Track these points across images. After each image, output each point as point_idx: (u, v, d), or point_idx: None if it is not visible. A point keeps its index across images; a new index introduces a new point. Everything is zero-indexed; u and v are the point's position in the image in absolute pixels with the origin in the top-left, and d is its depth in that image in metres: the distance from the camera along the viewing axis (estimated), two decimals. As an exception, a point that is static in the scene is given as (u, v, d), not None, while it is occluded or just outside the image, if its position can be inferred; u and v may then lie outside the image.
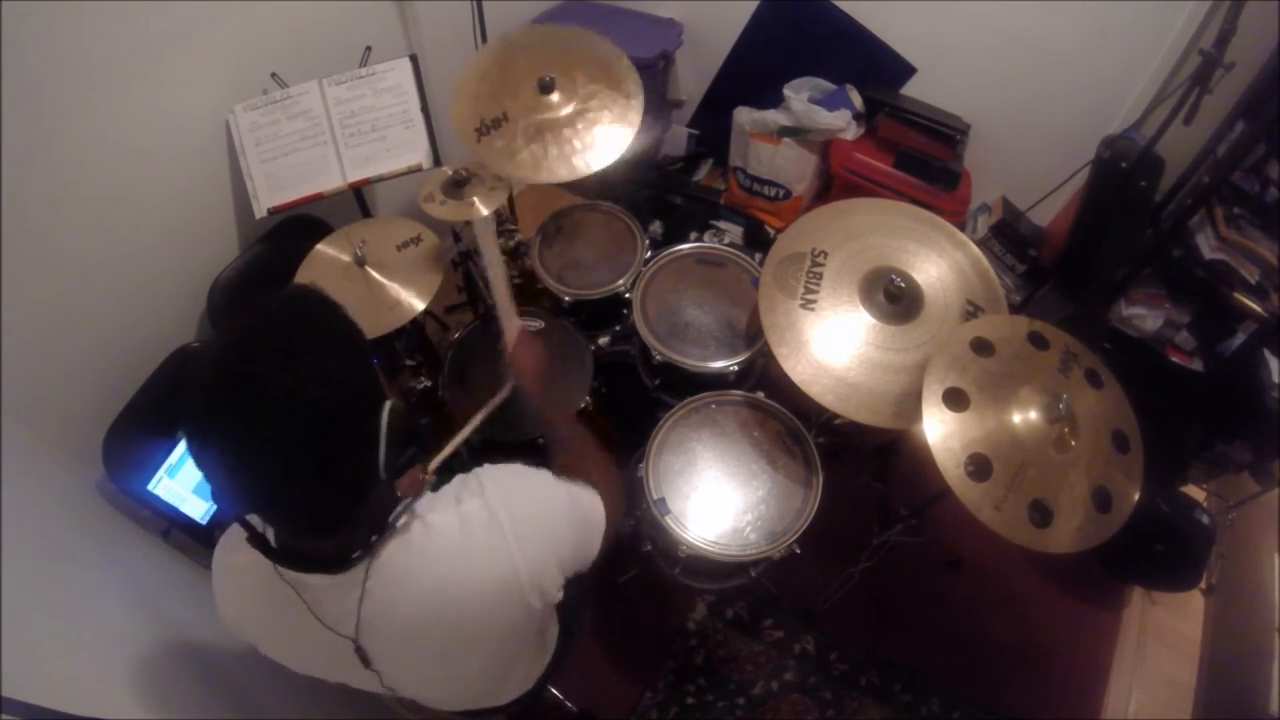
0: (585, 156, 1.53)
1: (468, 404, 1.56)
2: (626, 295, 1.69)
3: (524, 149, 1.53)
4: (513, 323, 1.31)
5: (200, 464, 0.63)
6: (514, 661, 0.95)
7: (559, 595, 0.86)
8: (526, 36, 1.69)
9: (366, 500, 0.71)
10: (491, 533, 0.80)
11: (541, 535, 0.84)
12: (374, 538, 0.74)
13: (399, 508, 0.75)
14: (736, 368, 1.54)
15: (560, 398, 1.58)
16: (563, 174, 1.50)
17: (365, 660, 0.83)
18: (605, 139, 1.54)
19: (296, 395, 0.62)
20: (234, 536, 0.84)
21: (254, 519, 0.74)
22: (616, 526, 0.98)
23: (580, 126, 1.55)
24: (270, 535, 0.74)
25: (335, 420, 0.65)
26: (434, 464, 1.16)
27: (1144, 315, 2.04)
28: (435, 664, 0.88)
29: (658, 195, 2.64)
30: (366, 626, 0.79)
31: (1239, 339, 1.94)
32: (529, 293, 1.82)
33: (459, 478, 0.87)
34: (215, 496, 0.68)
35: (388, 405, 0.70)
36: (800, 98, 2.38)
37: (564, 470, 0.95)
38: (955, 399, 1.16)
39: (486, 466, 0.88)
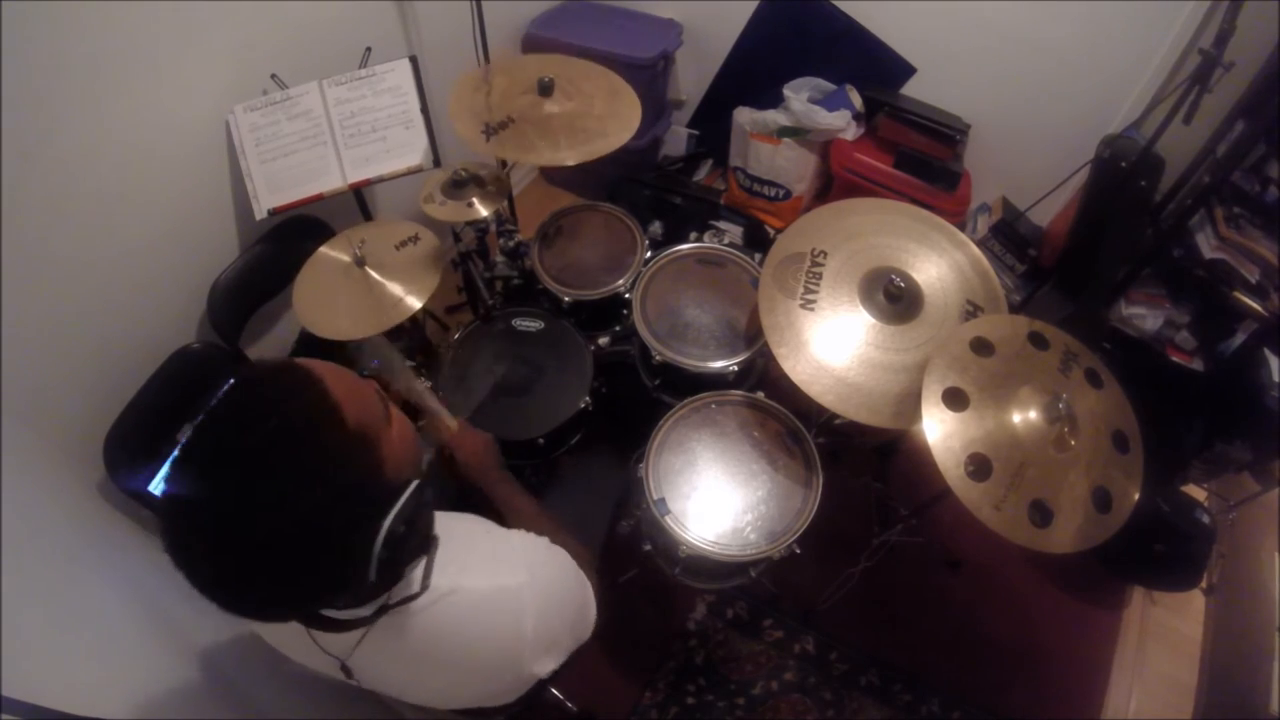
0: (598, 141, 1.55)
1: (468, 405, 1.56)
2: (626, 295, 1.69)
3: (537, 139, 1.55)
4: (444, 420, 1.23)
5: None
6: (489, 697, 0.97)
7: (548, 675, 0.88)
8: (510, 61, 1.70)
9: (353, 593, 0.70)
10: (515, 615, 0.81)
11: (558, 630, 0.86)
12: (371, 614, 0.74)
13: (405, 592, 0.74)
14: (736, 368, 1.54)
15: (559, 402, 1.58)
16: (579, 156, 1.53)
17: (349, 674, 0.84)
18: (613, 124, 1.57)
19: (268, 542, 0.59)
20: None
21: None
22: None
23: (586, 117, 1.57)
24: None
25: (311, 558, 0.61)
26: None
27: (1144, 315, 2.04)
28: (426, 692, 0.90)
29: (658, 195, 2.64)
30: (360, 657, 0.79)
31: (1239, 339, 1.94)
32: (529, 293, 1.82)
33: (495, 539, 0.90)
34: None
35: (389, 518, 0.64)
36: (800, 98, 2.38)
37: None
38: (955, 399, 1.16)
39: (521, 535, 0.91)
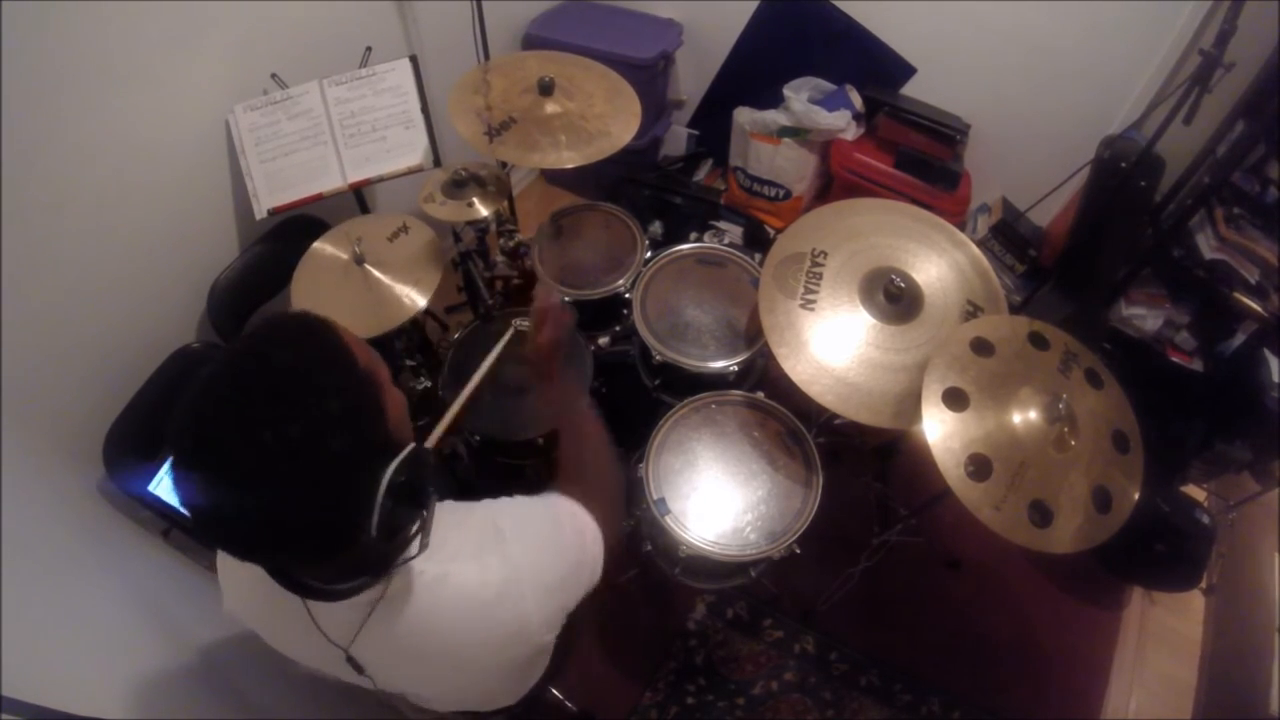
0: (601, 140, 1.55)
1: (468, 404, 1.56)
2: (626, 295, 1.69)
3: (541, 139, 1.55)
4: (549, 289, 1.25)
5: (177, 491, 0.63)
6: (511, 681, 0.96)
7: (558, 630, 0.86)
8: (508, 60, 1.71)
9: (352, 552, 0.69)
10: (510, 586, 0.80)
11: (556, 589, 0.85)
12: (372, 576, 0.73)
13: (404, 554, 0.74)
14: (736, 368, 1.54)
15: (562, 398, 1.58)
16: (582, 158, 1.53)
17: (357, 668, 0.83)
18: (614, 123, 1.58)
19: (273, 461, 0.60)
20: None
21: None
22: (617, 532, 0.98)
23: (587, 117, 1.58)
24: None
25: (314, 485, 0.62)
26: (433, 439, 1.16)
27: (1144, 315, 2.04)
28: (432, 682, 0.89)
29: (658, 195, 2.64)
30: (364, 642, 0.79)
31: (1239, 339, 1.94)
32: (529, 293, 1.82)
33: (479, 519, 0.87)
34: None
35: (392, 466, 0.65)
36: (800, 98, 2.38)
37: (566, 473, 0.97)
38: (955, 399, 1.16)
39: (505, 508, 0.88)
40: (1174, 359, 2.01)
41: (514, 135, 1.55)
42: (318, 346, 0.67)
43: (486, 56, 2.09)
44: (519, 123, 1.57)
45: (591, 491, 0.97)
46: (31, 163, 1.26)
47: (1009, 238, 2.33)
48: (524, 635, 0.82)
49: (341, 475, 0.63)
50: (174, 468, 0.62)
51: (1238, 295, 1.81)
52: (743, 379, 1.63)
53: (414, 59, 1.71)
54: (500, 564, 0.81)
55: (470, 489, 1.61)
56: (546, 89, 1.59)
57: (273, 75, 1.64)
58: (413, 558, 0.73)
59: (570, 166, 1.52)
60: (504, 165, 1.79)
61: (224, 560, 0.88)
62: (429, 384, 1.71)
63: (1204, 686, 1.82)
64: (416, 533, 0.73)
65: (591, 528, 0.92)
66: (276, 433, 0.60)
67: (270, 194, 1.62)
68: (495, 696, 0.98)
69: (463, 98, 1.61)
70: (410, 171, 1.74)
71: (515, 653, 0.84)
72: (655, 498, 1.39)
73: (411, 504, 0.69)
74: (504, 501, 0.90)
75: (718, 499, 1.41)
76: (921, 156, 2.33)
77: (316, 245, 1.57)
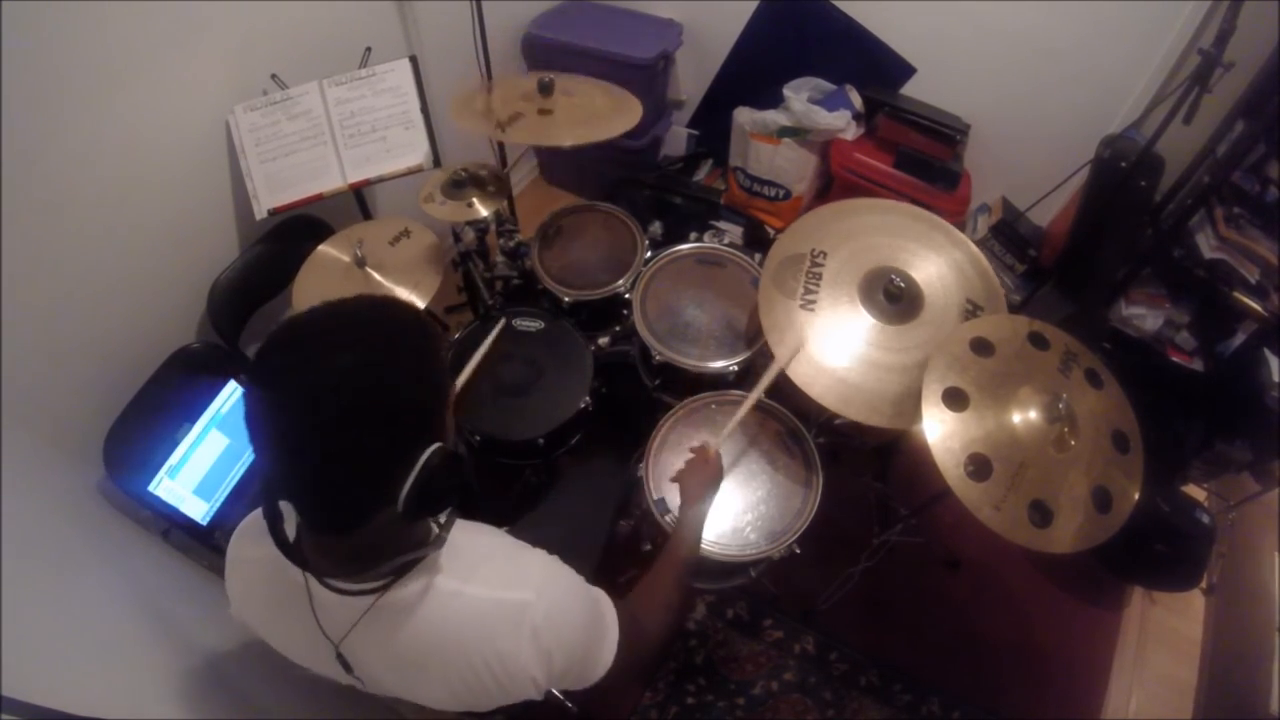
0: (607, 121, 1.58)
1: (467, 404, 1.56)
2: (626, 295, 1.69)
3: (551, 119, 1.57)
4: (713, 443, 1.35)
5: (245, 406, 0.67)
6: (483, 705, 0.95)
7: (539, 697, 0.85)
8: (506, 78, 1.72)
9: (371, 521, 0.70)
10: (518, 631, 0.79)
11: (556, 657, 0.83)
12: (387, 570, 0.73)
13: (418, 554, 0.74)
14: (736, 368, 1.54)
15: (559, 402, 1.58)
16: (590, 136, 1.56)
17: (346, 666, 0.83)
18: (616, 116, 1.61)
19: (332, 388, 0.63)
20: (249, 529, 0.87)
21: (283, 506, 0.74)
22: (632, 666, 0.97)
23: (590, 110, 1.61)
24: (291, 525, 0.75)
25: (363, 429, 0.65)
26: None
27: (1144, 315, 2.04)
28: (412, 691, 0.88)
29: (658, 195, 2.64)
30: (355, 641, 0.79)
31: (1239, 339, 1.94)
32: (529, 293, 1.82)
33: (515, 553, 0.86)
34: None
35: (434, 447, 0.69)
36: (800, 98, 2.38)
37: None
38: (955, 399, 1.16)
39: (546, 562, 0.87)
40: (1174, 359, 2.01)
41: (522, 126, 1.56)
42: (416, 324, 0.72)
43: (487, 57, 2.09)
44: (525, 116, 1.57)
45: (640, 623, 0.97)
46: (31, 163, 1.26)
47: (1009, 238, 2.33)
48: (507, 669, 0.80)
49: (386, 442, 0.66)
50: (248, 375, 0.68)
51: (1238, 295, 1.81)
52: (743, 379, 1.63)
53: (414, 59, 1.71)
54: (518, 606, 0.80)
55: (470, 490, 1.61)
56: (546, 89, 1.59)
57: (273, 75, 1.64)
58: (419, 559, 0.74)
59: (580, 143, 1.53)
60: (504, 165, 1.79)
61: (232, 564, 0.89)
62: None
63: (1204, 686, 1.82)
64: (430, 536, 0.73)
65: (613, 646, 0.91)
66: (361, 366, 0.65)
67: (270, 194, 1.62)
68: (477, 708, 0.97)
69: (464, 105, 1.61)
70: (410, 171, 1.74)
71: (492, 689, 0.83)
72: (655, 498, 1.38)
73: (440, 491, 0.71)
74: (555, 563, 0.88)
75: (718, 499, 1.40)
76: (921, 156, 2.33)
77: (321, 249, 1.57)
